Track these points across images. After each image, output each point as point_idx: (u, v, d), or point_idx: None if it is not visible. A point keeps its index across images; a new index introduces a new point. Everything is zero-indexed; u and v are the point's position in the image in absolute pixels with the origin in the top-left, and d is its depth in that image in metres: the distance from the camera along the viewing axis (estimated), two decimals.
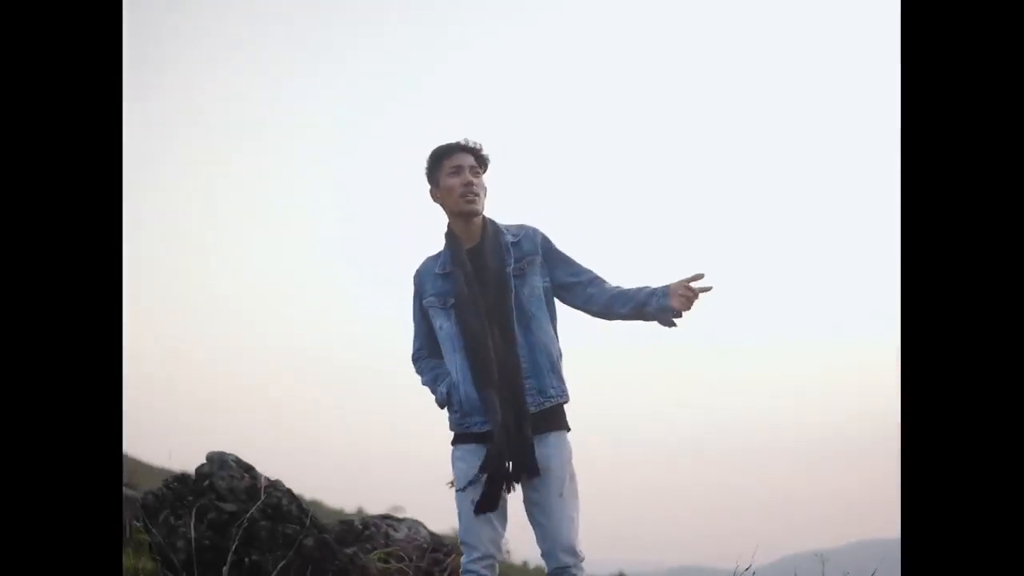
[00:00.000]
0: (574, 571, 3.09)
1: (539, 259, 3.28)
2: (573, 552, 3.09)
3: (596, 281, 3.29)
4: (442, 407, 3.28)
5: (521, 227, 3.35)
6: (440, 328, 3.28)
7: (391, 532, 5.56)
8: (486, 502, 3.11)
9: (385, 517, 5.72)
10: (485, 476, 3.11)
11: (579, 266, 3.33)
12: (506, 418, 3.12)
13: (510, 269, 3.24)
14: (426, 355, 3.38)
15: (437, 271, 3.32)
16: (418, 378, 3.44)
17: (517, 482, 3.14)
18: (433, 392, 3.32)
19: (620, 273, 3.42)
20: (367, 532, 5.50)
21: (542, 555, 3.16)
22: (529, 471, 3.11)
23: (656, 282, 3.22)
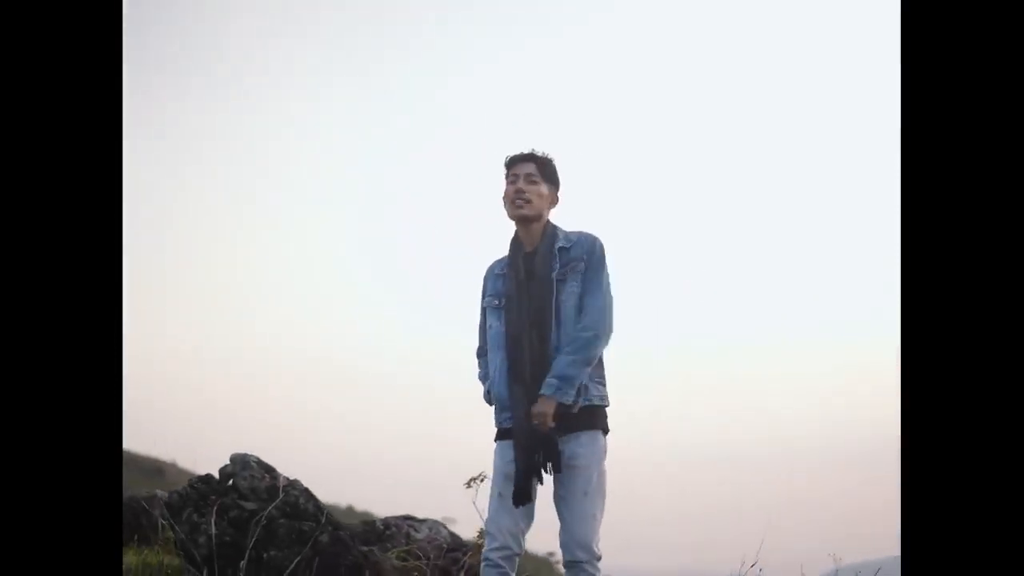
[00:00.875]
0: (587, 567, 3.19)
1: (582, 266, 3.39)
2: (588, 549, 3.20)
3: (582, 316, 3.34)
4: (489, 404, 3.50)
5: (581, 234, 3.48)
6: (490, 327, 3.48)
7: (412, 532, 5.70)
8: (517, 495, 3.26)
9: (407, 518, 5.87)
10: (515, 470, 3.24)
11: (592, 288, 3.37)
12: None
13: (555, 274, 3.38)
14: (487, 351, 3.54)
15: (497, 272, 3.54)
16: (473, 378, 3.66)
17: (546, 474, 3.27)
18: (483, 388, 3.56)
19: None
20: (388, 532, 5.65)
21: (560, 545, 3.27)
22: (551, 466, 3.24)
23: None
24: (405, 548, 5.16)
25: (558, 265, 3.40)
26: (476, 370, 3.66)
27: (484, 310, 3.56)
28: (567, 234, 3.48)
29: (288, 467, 4.84)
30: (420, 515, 5.97)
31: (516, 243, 3.51)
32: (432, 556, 5.17)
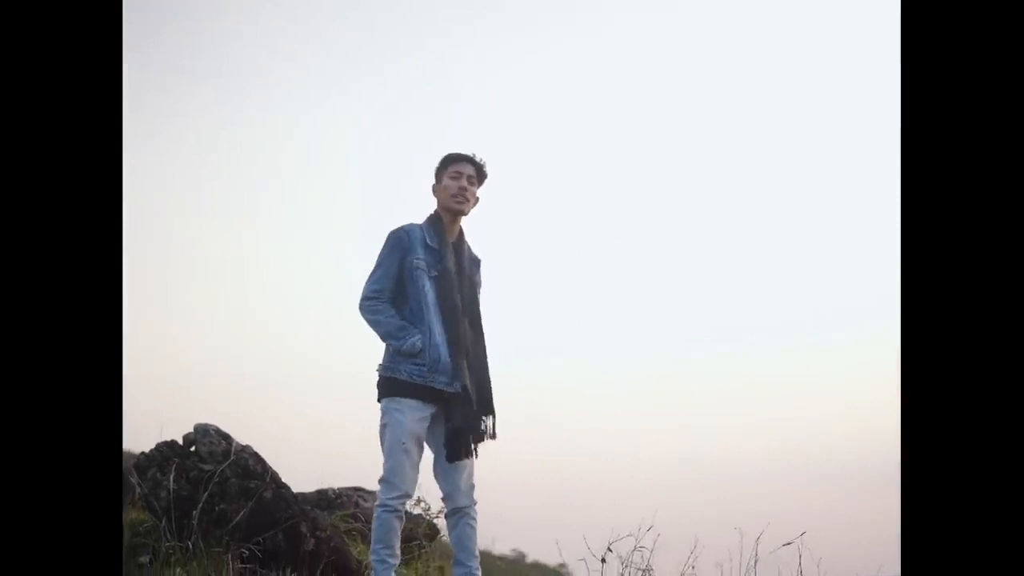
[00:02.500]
0: (470, 511, 3.83)
1: (480, 283, 4.02)
2: (471, 497, 3.85)
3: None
4: (408, 355, 3.78)
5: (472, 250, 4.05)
6: (425, 291, 3.84)
7: (360, 501, 6.35)
8: (459, 453, 3.78)
9: (357, 489, 6.53)
10: (451, 427, 3.75)
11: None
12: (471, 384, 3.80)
13: (478, 278, 4.00)
14: (387, 299, 3.87)
15: (430, 243, 3.90)
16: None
17: (487, 437, 3.85)
18: (394, 337, 3.80)
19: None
20: (339, 500, 6.31)
21: (445, 496, 3.88)
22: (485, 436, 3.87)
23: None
24: (349, 512, 5.79)
25: (478, 272, 4.00)
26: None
27: (405, 266, 3.83)
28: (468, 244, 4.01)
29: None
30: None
31: (440, 228, 3.91)
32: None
